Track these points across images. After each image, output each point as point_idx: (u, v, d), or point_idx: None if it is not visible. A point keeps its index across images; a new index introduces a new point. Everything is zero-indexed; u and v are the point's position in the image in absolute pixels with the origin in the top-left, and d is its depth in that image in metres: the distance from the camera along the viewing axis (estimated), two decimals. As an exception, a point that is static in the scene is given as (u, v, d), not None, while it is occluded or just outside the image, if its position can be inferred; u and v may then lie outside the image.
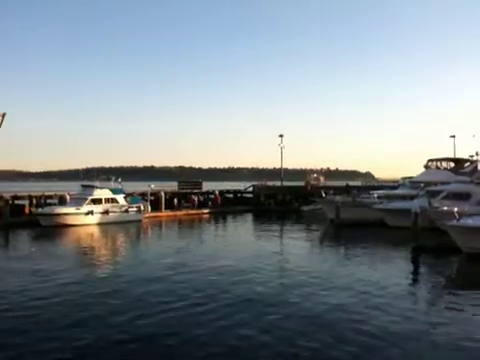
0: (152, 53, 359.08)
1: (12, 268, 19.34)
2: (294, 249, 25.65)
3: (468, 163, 41.13)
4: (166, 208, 45.54)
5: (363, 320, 12.00)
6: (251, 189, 59.17)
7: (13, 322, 11.92)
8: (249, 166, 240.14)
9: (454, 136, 57.14)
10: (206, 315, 12.40)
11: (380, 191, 41.46)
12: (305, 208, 50.22)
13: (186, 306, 13.33)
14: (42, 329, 11.37)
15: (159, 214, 43.82)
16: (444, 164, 42.08)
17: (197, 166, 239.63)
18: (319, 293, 15.09)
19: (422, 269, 20.69)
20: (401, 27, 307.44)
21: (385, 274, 18.11)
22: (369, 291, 15.15)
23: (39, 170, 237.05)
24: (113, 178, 41.83)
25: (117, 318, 12.22)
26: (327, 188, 52.72)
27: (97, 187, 38.73)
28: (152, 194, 45.99)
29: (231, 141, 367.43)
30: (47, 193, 42.79)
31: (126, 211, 39.09)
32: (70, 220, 35.49)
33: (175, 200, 48.63)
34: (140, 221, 39.23)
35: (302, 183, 65.58)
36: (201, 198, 51.87)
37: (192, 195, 50.54)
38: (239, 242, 28.40)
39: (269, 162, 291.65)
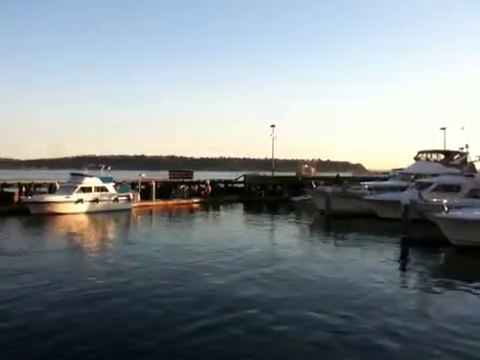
0: (144, 43, 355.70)
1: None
2: (283, 239, 25.67)
3: (458, 155, 41.40)
4: (157, 197, 45.43)
5: (346, 306, 12.12)
6: (242, 179, 59.17)
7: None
8: (241, 156, 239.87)
9: (444, 128, 57.64)
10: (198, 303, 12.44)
11: (370, 182, 41.55)
12: (295, 199, 50.37)
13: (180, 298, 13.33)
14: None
15: (149, 203, 43.65)
16: (434, 156, 42.28)
17: (188, 156, 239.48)
18: (307, 281, 15.18)
19: (410, 260, 20.77)
20: (401, 20, 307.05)
21: (372, 264, 18.21)
22: (356, 280, 15.27)
23: (29, 158, 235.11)
24: (102, 167, 41.62)
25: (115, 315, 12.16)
26: (318, 179, 52.76)
27: (87, 175, 38.49)
28: (143, 183, 45.83)
29: (223, 131, 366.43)
30: (37, 181, 42.40)
31: (116, 200, 38.90)
32: (59, 208, 35.25)
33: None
34: (130, 210, 39.10)
35: (293, 174, 65.61)
36: (191, 187, 51.89)
37: (182, 185, 50.60)
38: (229, 231, 28.30)
39: (261, 152, 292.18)
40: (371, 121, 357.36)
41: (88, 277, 15.45)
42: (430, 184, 32.00)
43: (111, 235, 27.69)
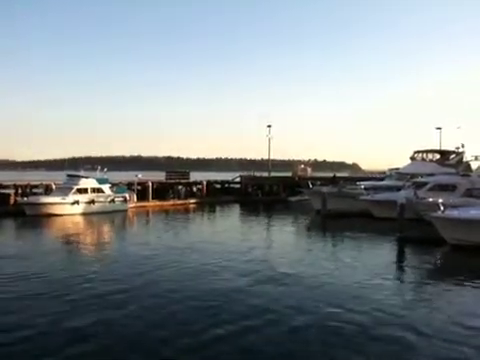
0: (143, 43, 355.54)
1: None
2: (280, 238, 25.76)
3: (454, 155, 41.53)
4: (153, 198, 45.35)
5: (344, 306, 12.12)
6: (239, 180, 59.17)
7: None
8: (237, 157, 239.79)
9: (440, 128, 57.81)
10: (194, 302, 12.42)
11: (367, 182, 41.60)
12: (292, 199, 50.41)
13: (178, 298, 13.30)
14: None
15: (145, 204, 43.60)
16: (430, 156, 42.45)
17: (185, 156, 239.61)
18: (303, 280, 15.18)
19: (405, 259, 20.81)
20: (401, 20, 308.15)
21: (368, 263, 18.20)
22: (352, 279, 15.26)
23: (25, 159, 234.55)
24: (99, 168, 41.55)
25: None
26: (314, 179, 52.86)
27: (83, 177, 38.40)
28: (139, 184, 45.77)
29: (219, 132, 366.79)
30: (33, 182, 42.28)
31: (112, 201, 38.82)
32: (55, 209, 35.13)
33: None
34: (126, 211, 39.03)
35: (290, 174, 65.74)
36: (187, 188, 51.81)
37: (178, 186, 50.47)
38: (226, 231, 28.34)
39: (257, 153, 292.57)
40: (370, 121, 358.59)
41: (84, 280, 15.31)
42: (426, 184, 32.08)
43: (107, 236, 27.55)
